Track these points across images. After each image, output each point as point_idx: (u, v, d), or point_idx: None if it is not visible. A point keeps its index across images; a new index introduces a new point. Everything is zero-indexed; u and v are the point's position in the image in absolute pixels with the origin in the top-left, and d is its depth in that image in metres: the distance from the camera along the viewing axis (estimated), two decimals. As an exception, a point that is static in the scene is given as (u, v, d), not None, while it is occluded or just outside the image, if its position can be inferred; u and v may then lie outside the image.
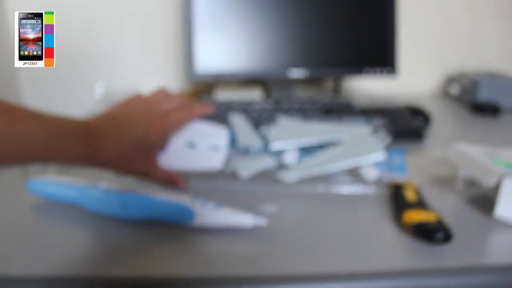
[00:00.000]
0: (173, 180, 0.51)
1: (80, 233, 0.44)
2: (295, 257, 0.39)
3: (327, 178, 0.53)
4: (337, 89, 1.00)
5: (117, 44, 1.03)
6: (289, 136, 0.53)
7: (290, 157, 0.52)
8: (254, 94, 0.94)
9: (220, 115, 0.73)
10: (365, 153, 0.51)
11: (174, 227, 0.43)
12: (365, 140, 0.52)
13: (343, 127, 0.53)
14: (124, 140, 0.46)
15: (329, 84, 1.04)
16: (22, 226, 0.46)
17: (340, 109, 0.78)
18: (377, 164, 0.52)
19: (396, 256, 0.40)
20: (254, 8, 0.82)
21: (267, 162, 0.52)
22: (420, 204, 0.45)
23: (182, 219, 0.43)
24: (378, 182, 0.52)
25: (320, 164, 0.51)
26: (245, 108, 0.78)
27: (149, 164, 0.49)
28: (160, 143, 0.50)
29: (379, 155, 0.51)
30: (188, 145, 0.52)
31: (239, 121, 0.54)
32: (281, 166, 0.52)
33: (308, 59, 0.85)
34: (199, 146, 0.53)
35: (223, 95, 0.92)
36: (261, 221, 0.42)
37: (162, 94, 0.52)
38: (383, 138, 0.52)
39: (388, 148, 0.52)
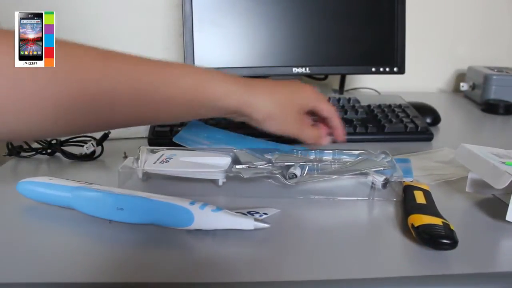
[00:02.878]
0: (319, 136, 0.55)
1: (72, 237, 0.44)
2: (296, 262, 0.40)
3: (331, 180, 0.53)
4: (341, 87, 1.00)
5: (113, 39, 1.03)
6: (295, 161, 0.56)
7: (296, 171, 0.53)
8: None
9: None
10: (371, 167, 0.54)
11: (172, 231, 0.43)
12: (370, 161, 0.55)
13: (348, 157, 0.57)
14: (277, 93, 0.51)
15: (333, 81, 1.04)
16: (10, 230, 0.45)
17: (345, 108, 0.78)
18: (384, 172, 0.53)
19: (400, 261, 0.41)
20: (256, 2, 0.83)
21: (272, 171, 0.53)
22: (428, 207, 0.45)
23: (180, 222, 0.43)
24: (385, 185, 0.52)
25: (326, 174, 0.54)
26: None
27: (299, 124, 0.53)
28: (310, 105, 0.54)
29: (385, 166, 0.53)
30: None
31: (243, 154, 0.56)
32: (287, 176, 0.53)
33: (311, 56, 0.85)
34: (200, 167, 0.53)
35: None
36: (262, 224, 0.42)
37: None
38: (387, 159, 0.55)
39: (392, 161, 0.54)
